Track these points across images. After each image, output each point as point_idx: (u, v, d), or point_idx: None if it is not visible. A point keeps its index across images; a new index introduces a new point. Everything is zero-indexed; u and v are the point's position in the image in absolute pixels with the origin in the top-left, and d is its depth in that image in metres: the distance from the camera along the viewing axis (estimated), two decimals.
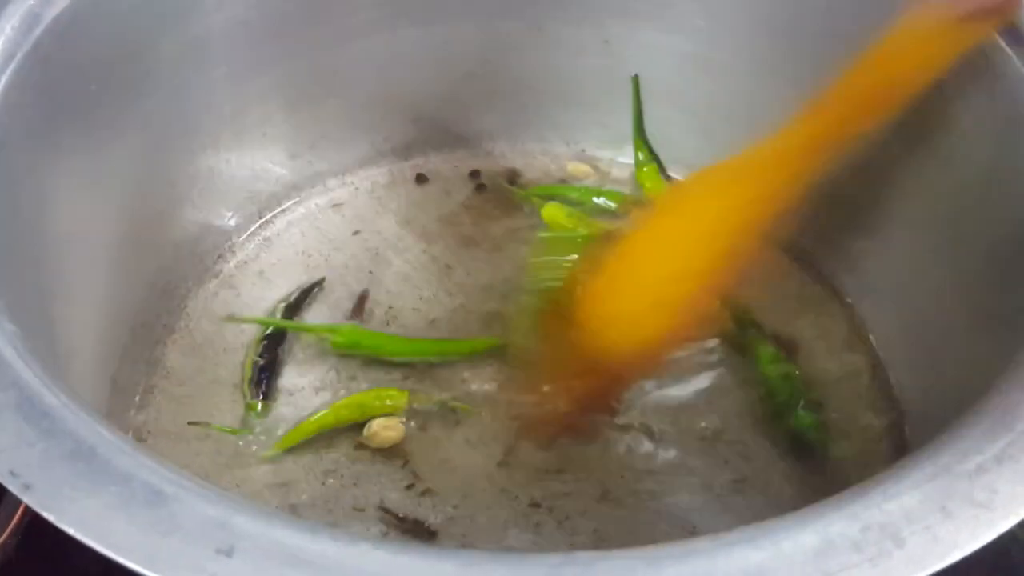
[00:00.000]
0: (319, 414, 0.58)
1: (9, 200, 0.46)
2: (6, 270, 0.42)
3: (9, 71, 0.47)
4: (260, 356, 0.61)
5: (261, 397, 0.59)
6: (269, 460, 0.57)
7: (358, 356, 0.61)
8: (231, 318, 0.63)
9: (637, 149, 0.71)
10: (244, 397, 0.60)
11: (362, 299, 0.64)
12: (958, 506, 0.34)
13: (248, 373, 0.60)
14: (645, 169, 0.70)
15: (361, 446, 0.57)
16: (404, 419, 0.58)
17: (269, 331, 0.62)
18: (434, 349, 0.62)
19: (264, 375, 0.60)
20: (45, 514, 0.32)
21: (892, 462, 0.36)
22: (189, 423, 0.58)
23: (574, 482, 0.56)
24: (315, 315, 0.64)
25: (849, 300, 0.65)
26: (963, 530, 0.33)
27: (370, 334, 0.61)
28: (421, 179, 0.71)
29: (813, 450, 0.57)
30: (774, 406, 0.59)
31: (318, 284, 0.65)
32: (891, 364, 0.61)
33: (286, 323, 0.62)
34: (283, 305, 0.63)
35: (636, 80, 0.69)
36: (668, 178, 0.70)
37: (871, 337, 0.63)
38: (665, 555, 0.32)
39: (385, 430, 0.57)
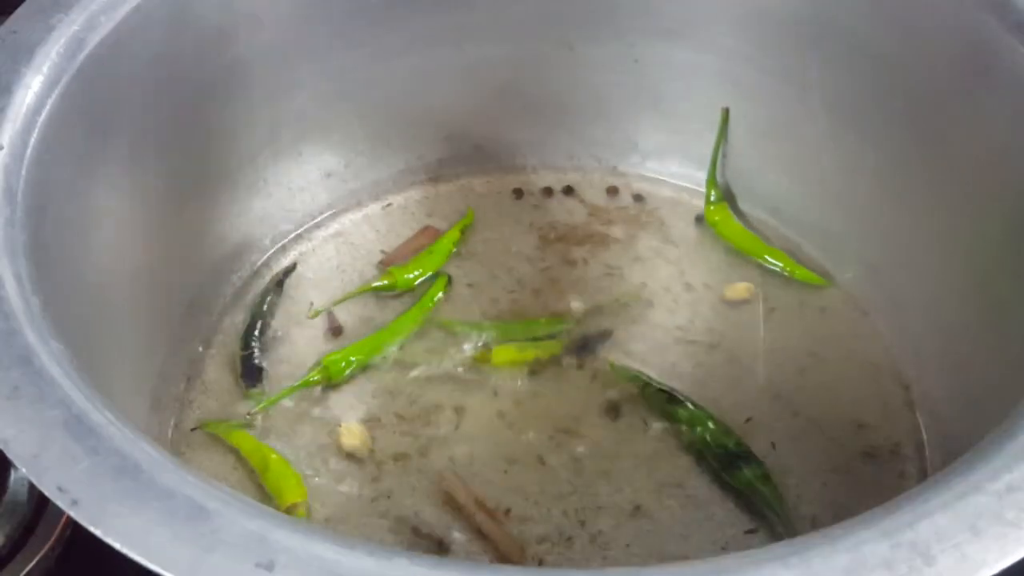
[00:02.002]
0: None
1: (54, 220, 0.47)
2: (53, 289, 0.42)
3: (55, 94, 0.48)
4: (245, 349, 0.63)
5: (256, 385, 0.61)
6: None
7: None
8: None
9: (710, 188, 0.70)
10: (241, 390, 0.61)
11: (332, 323, 0.65)
12: (988, 524, 0.34)
13: (239, 367, 0.62)
14: (713, 208, 0.69)
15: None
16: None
17: (249, 323, 0.64)
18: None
19: (253, 364, 0.62)
20: (92, 529, 0.33)
21: (919, 480, 0.36)
22: (191, 429, 0.59)
23: (607, 496, 0.57)
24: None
25: (876, 317, 0.65)
26: (992, 548, 0.33)
27: (349, 349, 0.62)
28: (518, 193, 0.73)
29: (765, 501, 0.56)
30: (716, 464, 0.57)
31: (289, 270, 0.67)
32: (919, 383, 0.61)
33: (281, 394, 0.61)
34: (267, 298, 0.65)
35: (726, 113, 0.68)
36: (742, 216, 0.70)
37: (898, 355, 0.63)
38: (695, 572, 0.33)
39: (350, 437, 0.58)
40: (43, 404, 0.37)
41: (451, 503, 0.56)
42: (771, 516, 0.55)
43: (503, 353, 0.62)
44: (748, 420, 0.59)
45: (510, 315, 0.65)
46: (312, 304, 0.66)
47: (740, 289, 0.65)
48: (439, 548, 0.54)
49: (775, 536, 0.54)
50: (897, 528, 0.33)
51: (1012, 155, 0.52)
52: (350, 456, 0.58)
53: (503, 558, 0.54)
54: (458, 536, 0.55)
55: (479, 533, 0.55)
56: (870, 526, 0.34)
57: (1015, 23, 0.51)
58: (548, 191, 0.72)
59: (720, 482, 0.57)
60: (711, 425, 0.58)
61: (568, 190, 0.72)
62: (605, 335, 0.64)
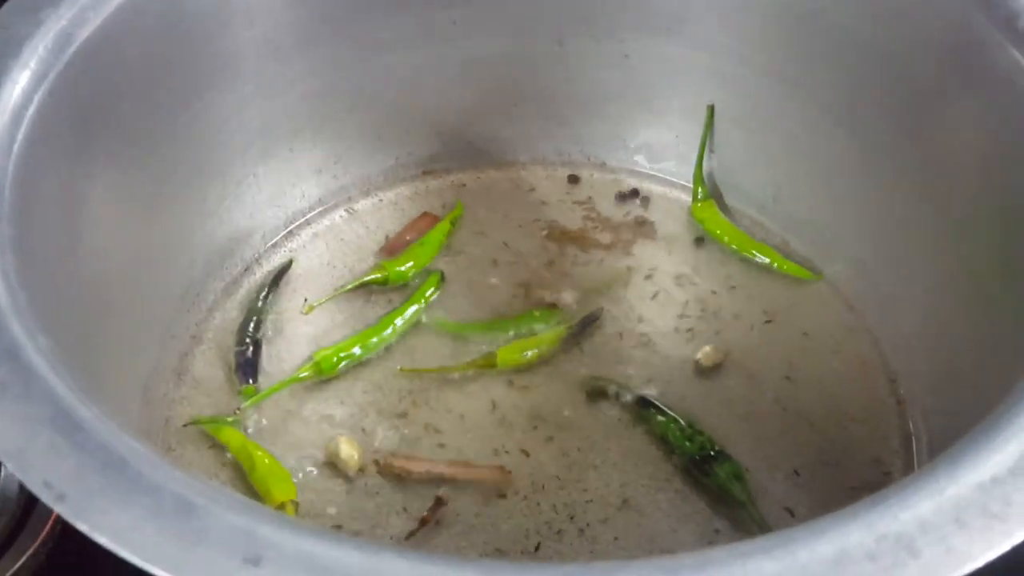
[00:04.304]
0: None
1: (42, 215, 0.47)
2: (41, 285, 0.42)
3: (43, 90, 0.48)
4: (239, 345, 0.63)
5: (249, 381, 0.61)
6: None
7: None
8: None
9: (697, 185, 0.70)
10: (235, 386, 0.61)
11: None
12: (972, 517, 0.34)
13: (233, 362, 0.62)
14: (701, 204, 0.70)
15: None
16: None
17: (244, 319, 0.64)
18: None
19: (247, 360, 0.62)
20: (78, 524, 0.33)
21: (905, 473, 0.36)
22: (183, 425, 0.59)
23: (595, 490, 0.57)
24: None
25: (864, 311, 0.65)
26: (978, 541, 0.33)
27: (340, 345, 0.62)
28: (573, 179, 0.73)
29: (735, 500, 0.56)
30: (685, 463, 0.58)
31: (286, 267, 0.67)
32: (906, 376, 0.61)
33: (271, 389, 0.61)
34: (262, 295, 0.65)
35: (711, 111, 0.69)
36: (729, 212, 0.70)
37: (886, 349, 0.63)
38: (681, 565, 0.33)
39: (348, 450, 0.58)
40: (29, 399, 0.37)
41: (409, 479, 0.57)
42: (742, 515, 0.55)
43: (507, 354, 0.62)
44: (734, 414, 0.60)
45: (502, 310, 0.65)
46: (306, 300, 0.66)
47: (710, 353, 0.63)
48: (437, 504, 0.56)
49: (748, 534, 0.54)
50: (882, 520, 0.34)
51: (1000, 149, 0.52)
52: (343, 464, 0.58)
53: (493, 488, 0.57)
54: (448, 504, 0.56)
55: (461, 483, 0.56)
56: (855, 519, 0.34)
57: (1002, 18, 0.51)
58: (539, 186, 0.72)
59: (698, 481, 0.57)
60: (678, 432, 0.58)
61: (559, 186, 0.72)
62: (594, 317, 0.64)
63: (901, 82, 0.58)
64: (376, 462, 0.58)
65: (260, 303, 0.65)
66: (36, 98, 0.48)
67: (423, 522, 0.55)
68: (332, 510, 0.56)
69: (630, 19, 0.66)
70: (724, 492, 0.56)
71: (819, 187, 0.66)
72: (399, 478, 0.57)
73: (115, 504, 0.34)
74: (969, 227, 0.55)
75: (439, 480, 0.57)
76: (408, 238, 0.69)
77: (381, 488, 0.57)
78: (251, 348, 0.63)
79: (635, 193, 0.72)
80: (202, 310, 0.65)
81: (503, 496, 0.57)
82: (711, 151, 0.70)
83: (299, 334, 0.64)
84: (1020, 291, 0.50)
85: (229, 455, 0.58)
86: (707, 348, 0.63)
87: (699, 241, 0.69)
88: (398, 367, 0.62)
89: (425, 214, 0.70)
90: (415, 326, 0.64)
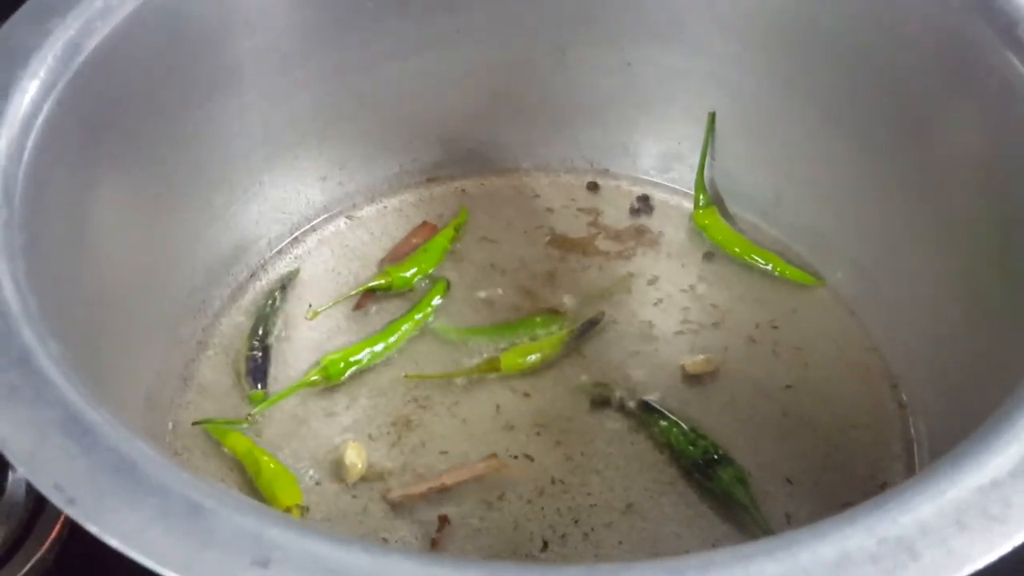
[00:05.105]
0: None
1: (51, 222, 0.47)
2: (50, 292, 0.43)
3: (51, 99, 0.49)
4: (251, 350, 0.63)
5: (259, 386, 0.62)
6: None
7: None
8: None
9: (698, 192, 0.70)
10: (244, 390, 0.62)
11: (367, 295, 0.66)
12: (973, 519, 0.34)
13: (243, 367, 0.62)
14: (702, 210, 0.70)
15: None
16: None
17: (254, 324, 0.65)
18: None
19: (257, 365, 0.63)
20: (88, 526, 0.34)
21: (906, 478, 0.36)
22: (193, 423, 0.60)
23: (599, 494, 0.57)
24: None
25: (865, 317, 0.65)
26: (978, 543, 0.33)
27: (348, 350, 0.63)
28: (592, 187, 0.73)
29: (740, 503, 0.56)
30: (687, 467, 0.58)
31: (293, 275, 0.68)
32: (908, 382, 0.62)
33: (280, 395, 0.61)
34: (270, 302, 0.66)
35: (712, 118, 0.69)
36: (730, 219, 0.71)
37: (888, 355, 0.63)
38: (686, 566, 0.33)
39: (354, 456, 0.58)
40: (40, 403, 0.37)
41: (413, 501, 0.57)
42: (746, 518, 0.56)
43: (510, 359, 0.62)
44: (736, 419, 0.60)
45: (505, 315, 0.66)
46: (310, 306, 0.66)
47: (700, 362, 0.63)
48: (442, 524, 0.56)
49: (752, 538, 0.54)
50: (882, 523, 0.34)
51: (998, 155, 0.52)
52: (346, 471, 0.58)
53: (493, 483, 0.57)
54: (453, 510, 0.56)
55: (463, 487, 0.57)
56: (856, 522, 0.34)
57: (1002, 25, 0.52)
58: (543, 193, 0.73)
59: (701, 485, 0.57)
60: (681, 437, 0.58)
61: (562, 192, 0.73)
62: (595, 321, 0.64)
63: (901, 87, 0.58)
64: (378, 483, 0.58)
65: (268, 309, 0.65)
66: (45, 107, 0.48)
67: (433, 544, 0.55)
68: (337, 515, 0.57)
69: (631, 26, 0.67)
70: (727, 496, 0.56)
71: (820, 192, 0.67)
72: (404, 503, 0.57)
73: (125, 506, 0.34)
74: (970, 231, 0.55)
75: (441, 491, 0.57)
76: (411, 245, 0.69)
77: (384, 487, 0.57)
78: (261, 353, 0.63)
79: (645, 200, 0.72)
80: (208, 316, 0.65)
81: (501, 497, 0.57)
82: (712, 158, 0.70)
83: (304, 340, 0.65)
84: (1020, 295, 0.50)
85: (234, 458, 0.58)
86: (699, 357, 0.63)
87: (708, 256, 0.69)
88: (403, 373, 0.62)
89: (425, 223, 0.71)
90: (419, 332, 0.65)
